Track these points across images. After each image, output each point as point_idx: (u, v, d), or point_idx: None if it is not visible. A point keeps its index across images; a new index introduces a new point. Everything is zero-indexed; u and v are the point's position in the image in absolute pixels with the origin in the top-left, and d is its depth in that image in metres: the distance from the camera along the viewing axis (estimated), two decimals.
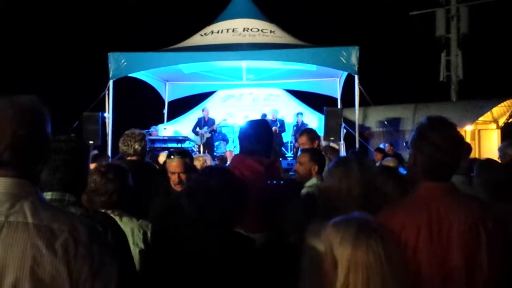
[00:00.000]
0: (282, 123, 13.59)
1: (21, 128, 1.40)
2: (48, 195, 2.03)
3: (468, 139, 15.27)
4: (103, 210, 2.76)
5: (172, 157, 3.76)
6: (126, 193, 2.86)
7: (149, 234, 2.91)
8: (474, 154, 13.10)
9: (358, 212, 1.84)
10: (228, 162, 6.72)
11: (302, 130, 5.33)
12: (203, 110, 13.87)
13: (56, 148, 2.08)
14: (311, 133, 4.94)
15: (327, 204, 2.47)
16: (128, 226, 2.83)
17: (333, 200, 2.44)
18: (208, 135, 13.25)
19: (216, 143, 13.58)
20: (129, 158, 4.15)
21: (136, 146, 4.14)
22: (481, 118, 16.12)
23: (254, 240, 2.37)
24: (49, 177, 2.05)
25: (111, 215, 2.74)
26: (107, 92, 11.72)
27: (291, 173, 6.50)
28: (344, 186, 2.41)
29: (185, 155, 3.83)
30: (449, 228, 1.93)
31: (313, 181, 3.97)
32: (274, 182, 3.31)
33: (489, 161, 3.77)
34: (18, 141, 1.39)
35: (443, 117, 2.10)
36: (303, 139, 4.82)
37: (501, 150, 5.14)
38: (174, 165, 3.71)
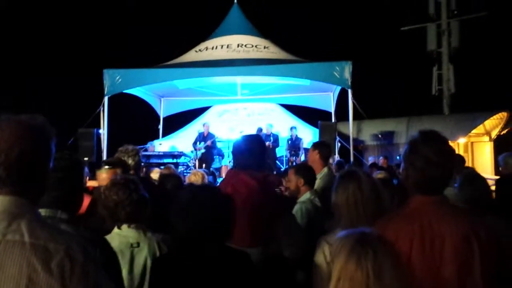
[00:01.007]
0: (276, 138, 13.62)
1: (27, 146, 1.41)
2: (41, 212, 2.01)
3: (461, 152, 15.37)
4: (125, 225, 2.76)
5: (101, 168, 3.66)
6: (146, 205, 2.86)
7: (164, 249, 2.84)
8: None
9: (363, 227, 1.87)
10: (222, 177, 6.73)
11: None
12: (203, 125, 13.87)
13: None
14: (316, 144, 5.03)
15: (339, 218, 2.49)
16: (152, 241, 2.81)
17: (342, 214, 2.46)
18: (203, 150, 13.26)
19: (213, 157, 13.59)
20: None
21: (130, 161, 4.13)
22: (473, 131, 16.23)
23: (249, 254, 2.40)
24: (45, 195, 2.06)
25: (135, 230, 2.75)
26: (102, 108, 11.73)
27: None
28: (357, 200, 2.44)
29: (117, 165, 3.74)
30: (441, 241, 1.96)
31: (306, 196, 4.00)
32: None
33: (472, 174, 3.79)
34: (14, 159, 1.39)
35: (435, 131, 2.14)
36: (309, 150, 4.91)
37: (502, 160, 5.16)
38: (104, 177, 3.62)
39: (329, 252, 2.40)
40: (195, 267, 2.23)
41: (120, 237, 2.75)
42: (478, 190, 3.22)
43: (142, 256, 2.74)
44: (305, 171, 4.16)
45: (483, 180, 3.45)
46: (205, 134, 13.49)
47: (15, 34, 21.23)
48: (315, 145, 5.00)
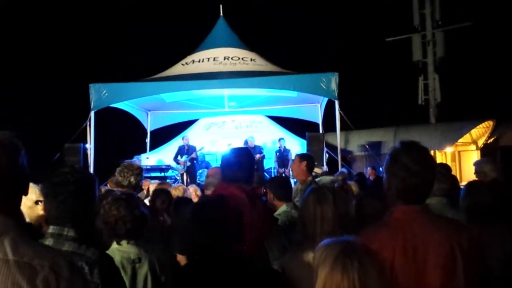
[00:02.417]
0: (260, 150, 13.55)
1: (2, 161, 1.41)
2: (50, 229, 2.03)
3: (448, 161, 15.48)
4: (125, 241, 2.74)
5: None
6: (146, 221, 2.86)
7: (157, 267, 2.86)
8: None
9: (348, 236, 1.88)
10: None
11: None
12: (183, 139, 13.84)
13: (62, 180, 2.07)
14: (300, 156, 5.06)
15: (304, 230, 2.50)
16: (151, 257, 2.82)
17: (308, 226, 2.47)
18: (188, 163, 13.19)
19: (199, 171, 13.54)
20: (119, 189, 4.13)
21: (132, 179, 4.14)
22: (460, 140, 16.37)
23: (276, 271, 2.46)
24: (57, 211, 2.04)
25: (134, 247, 2.74)
26: (88, 123, 11.66)
27: None
28: (318, 212, 2.46)
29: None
30: (424, 251, 1.96)
31: (282, 208, 4.01)
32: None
33: (476, 183, 3.77)
34: (3, 173, 1.40)
35: (415, 141, 2.15)
36: (293, 162, 4.96)
37: (478, 165, 5.18)
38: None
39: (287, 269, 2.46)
40: (217, 275, 2.26)
41: (121, 252, 2.74)
42: (480, 199, 3.17)
43: (143, 272, 2.76)
44: (276, 186, 4.21)
45: (487, 189, 3.40)
46: (186, 147, 13.43)
47: None
48: (303, 157, 5.08)
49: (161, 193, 5.00)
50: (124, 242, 2.76)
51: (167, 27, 23.65)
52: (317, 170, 9.83)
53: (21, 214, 1.53)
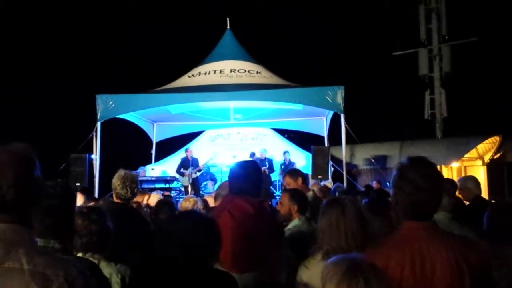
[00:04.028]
0: (270, 163, 13.61)
1: (20, 171, 1.46)
2: None
3: (454, 176, 15.40)
4: (80, 254, 2.75)
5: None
6: (107, 236, 2.87)
7: (127, 280, 2.87)
8: None
9: (356, 253, 1.87)
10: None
11: (285, 172, 5.47)
12: (186, 151, 13.82)
13: (47, 195, 2.10)
14: (293, 173, 5.05)
15: (322, 244, 2.49)
16: (106, 270, 2.79)
17: (328, 239, 2.46)
18: (195, 175, 13.18)
19: (204, 183, 13.53)
20: (118, 200, 4.11)
21: (135, 191, 4.13)
22: (466, 155, 16.29)
23: (233, 276, 2.42)
24: (38, 223, 2.04)
25: (90, 258, 2.73)
26: (94, 133, 11.69)
27: None
28: (340, 226, 2.44)
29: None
30: (432, 266, 1.95)
31: (294, 222, 3.99)
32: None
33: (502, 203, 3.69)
34: (18, 182, 1.44)
35: (423, 156, 2.15)
36: (287, 180, 4.93)
37: (461, 182, 5.28)
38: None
39: (306, 276, 2.47)
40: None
41: None
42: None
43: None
44: (300, 198, 4.17)
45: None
46: (189, 159, 13.42)
47: None
48: (296, 173, 5.10)
49: (164, 205, 5.00)
50: (79, 256, 2.77)
51: (174, 39, 23.79)
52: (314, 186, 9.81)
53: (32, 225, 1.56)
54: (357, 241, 2.37)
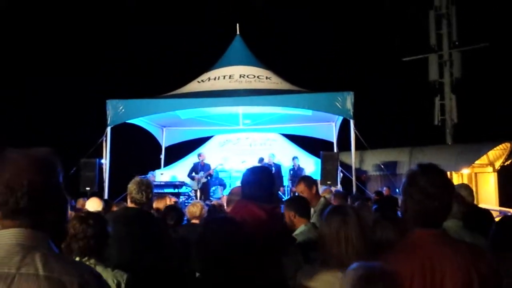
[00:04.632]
0: (278, 168, 13.58)
1: (36, 177, 1.45)
2: None
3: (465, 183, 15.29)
4: (77, 258, 2.77)
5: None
6: (104, 240, 2.89)
7: (123, 286, 2.88)
8: None
9: (376, 262, 1.88)
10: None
11: (299, 178, 5.40)
12: (199, 156, 13.88)
13: None
14: (307, 181, 5.00)
15: (326, 249, 2.48)
16: (102, 275, 2.81)
17: (332, 246, 2.45)
18: (204, 180, 13.21)
19: (213, 188, 13.54)
20: (132, 205, 4.13)
21: (150, 196, 4.14)
22: (477, 162, 16.17)
23: None
24: None
25: (86, 263, 2.75)
26: (104, 138, 11.76)
27: None
28: (342, 234, 2.43)
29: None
30: (442, 276, 1.94)
31: (300, 228, 3.98)
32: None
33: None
34: (33, 188, 1.43)
35: (433, 163, 2.13)
36: (301, 187, 4.88)
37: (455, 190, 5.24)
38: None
39: (305, 280, 2.46)
40: None
41: None
42: None
43: None
44: (296, 203, 4.17)
45: None
46: (202, 164, 13.45)
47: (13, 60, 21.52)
48: (311, 182, 5.02)
49: (172, 210, 5.02)
50: (77, 259, 2.80)
51: (184, 45, 23.92)
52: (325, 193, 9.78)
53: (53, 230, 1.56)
54: (359, 249, 2.35)
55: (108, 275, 2.85)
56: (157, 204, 6.32)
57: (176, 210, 5.11)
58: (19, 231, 1.42)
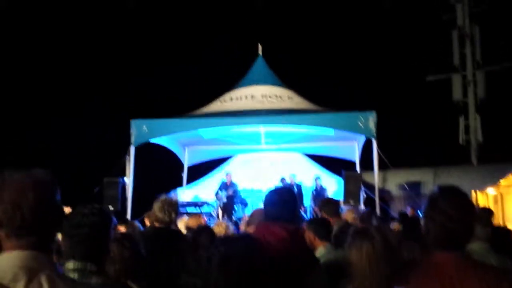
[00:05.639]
0: (299, 188, 13.51)
1: (40, 195, 1.50)
2: (70, 265, 2.10)
3: (490, 203, 14.98)
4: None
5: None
6: (140, 262, 2.90)
7: None
8: (497, 219, 12.81)
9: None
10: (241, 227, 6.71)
11: (320, 204, 5.35)
12: (226, 175, 13.91)
13: (79, 222, 2.17)
14: (329, 211, 4.99)
15: (352, 275, 2.47)
16: None
17: (358, 269, 2.44)
18: (224, 200, 13.19)
19: (235, 207, 13.52)
20: (157, 224, 4.16)
21: (173, 215, 4.16)
22: (503, 182, 15.85)
23: None
24: (72, 249, 2.14)
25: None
26: (128, 157, 11.89)
27: None
28: (370, 259, 2.42)
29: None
30: None
31: (320, 251, 3.95)
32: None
33: None
34: (39, 206, 1.47)
35: (455, 186, 2.12)
36: (324, 215, 4.88)
37: None
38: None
39: None
40: None
41: None
42: None
43: None
44: (316, 225, 4.14)
45: None
46: (228, 183, 13.48)
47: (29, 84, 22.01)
48: (332, 211, 4.98)
49: (204, 230, 5.03)
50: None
51: (206, 65, 24.16)
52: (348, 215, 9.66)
53: (53, 250, 1.61)
54: (387, 273, 2.33)
55: None
56: (190, 223, 6.36)
57: (208, 230, 5.12)
58: (24, 253, 1.44)
